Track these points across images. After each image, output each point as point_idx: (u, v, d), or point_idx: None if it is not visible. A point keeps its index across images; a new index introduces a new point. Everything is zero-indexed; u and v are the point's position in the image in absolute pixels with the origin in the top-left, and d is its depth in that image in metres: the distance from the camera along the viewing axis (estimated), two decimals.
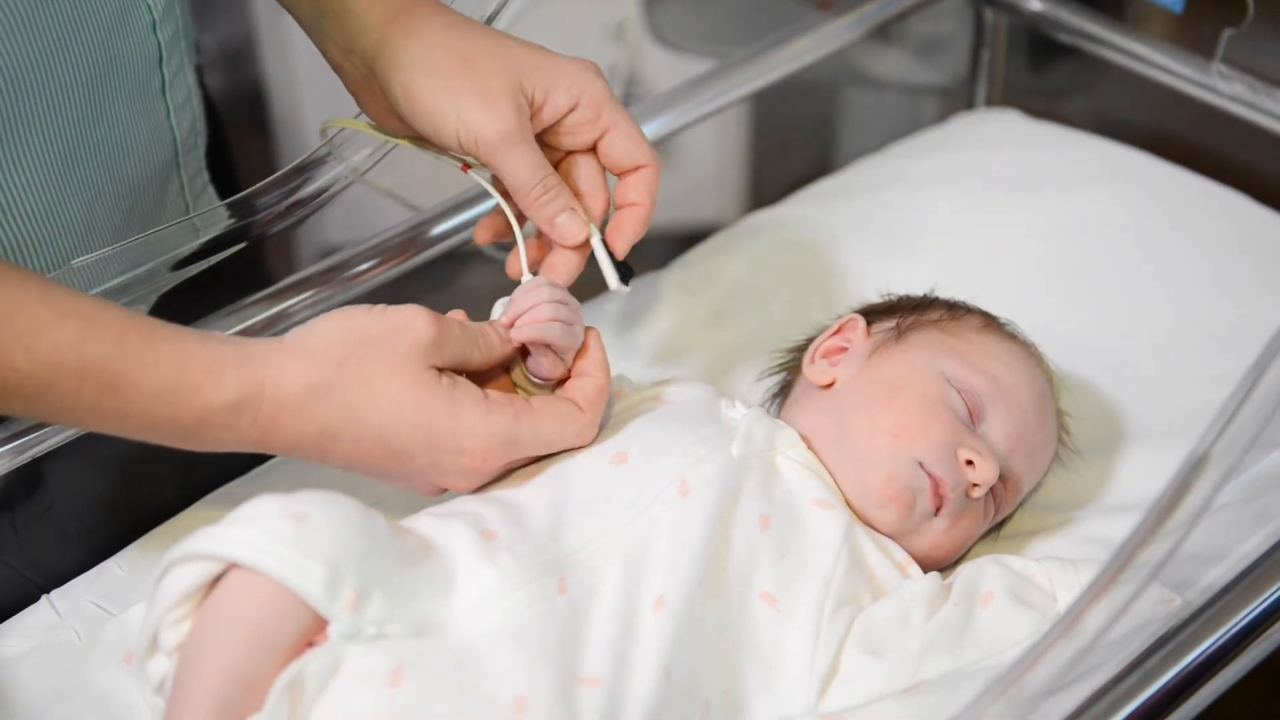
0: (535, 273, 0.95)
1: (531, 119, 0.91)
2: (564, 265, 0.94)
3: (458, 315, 0.88)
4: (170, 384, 0.77)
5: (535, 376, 0.90)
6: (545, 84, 0.91)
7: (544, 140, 0.93)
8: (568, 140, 0.94)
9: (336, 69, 0.97)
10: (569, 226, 0.92)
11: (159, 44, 1.00)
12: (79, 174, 0.96)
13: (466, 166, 0.97)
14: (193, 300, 1.06)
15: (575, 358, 0.90)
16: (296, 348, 0.81)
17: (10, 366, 0.75)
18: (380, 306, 0.84)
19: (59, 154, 0.94)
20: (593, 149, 0.95)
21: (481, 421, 0.84)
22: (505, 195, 0.95)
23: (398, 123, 0.96)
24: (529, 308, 0.88)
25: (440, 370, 0.84)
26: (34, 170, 0.92)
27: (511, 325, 0.88)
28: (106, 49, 0.95)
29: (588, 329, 0.90)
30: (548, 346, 0.88)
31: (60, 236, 0.96)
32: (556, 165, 0.95)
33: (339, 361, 0.81)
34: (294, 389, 0.80)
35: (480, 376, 0.89)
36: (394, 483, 0.86)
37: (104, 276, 1.00)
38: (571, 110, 0.92)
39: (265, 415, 0.80)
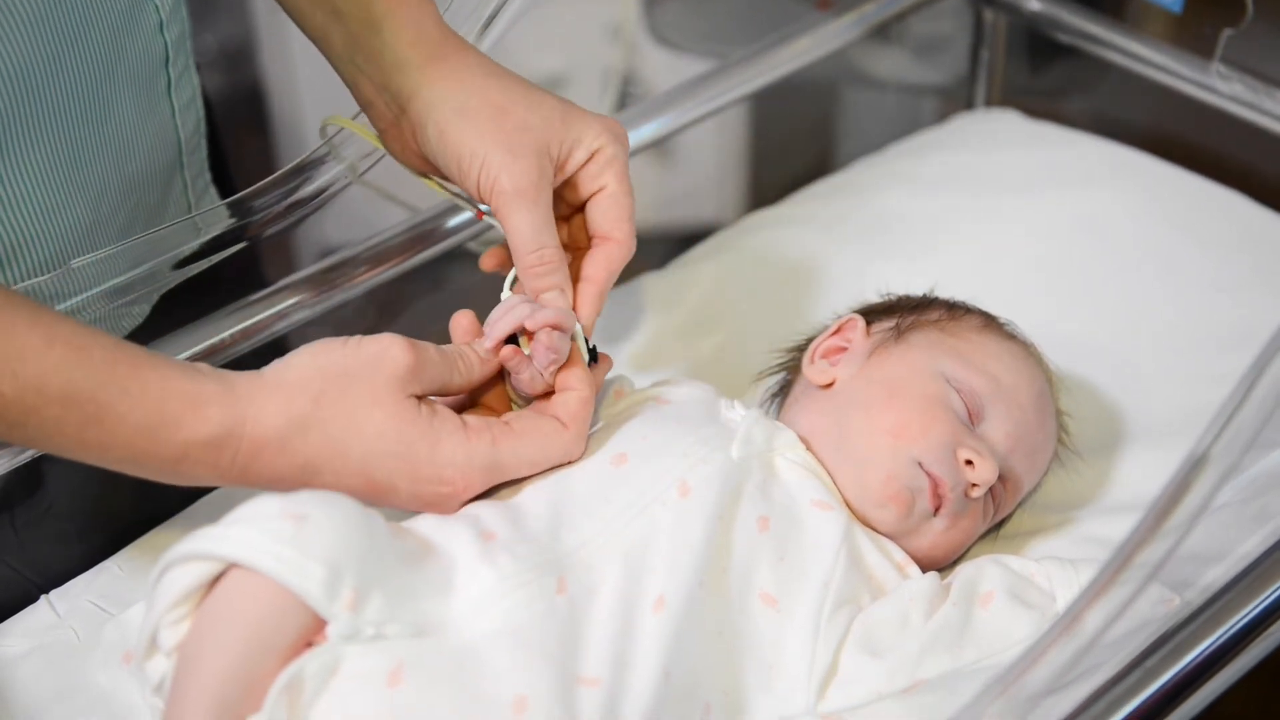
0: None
1: (554, 175, 0.91)
2: None
3: (463, 317, 0.87)
4: (153, 418, 0.78)
5: (517, 393, 0.90)
6: (570, 141, 0.91)
7: (558, 192, 0.93)
8: (571, 194, 0.94)
9: (366, 105, 0.97)
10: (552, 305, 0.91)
11: (165, 44, 1.01)
12: (85, 172, 0.96)
13: (481, 214, 0.97)
14: (193, 300, 1.07)
15: (556, 372, 0.89)
16: (276, 383, 0.81)
17: None
18: (356, 338, 0.84)
19: (66, 152, 0.94)
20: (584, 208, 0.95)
21: (460, 449, 0.84)
22: None
23: (420, 162, 0.96)
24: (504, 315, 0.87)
25: (420, 398, 0.84)
26: (41, 168, 0.92)
27: (495, 347, 0.88)
28: (114, 48, 0.95)
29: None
30: (527, 359, 0.87)
31: (66, 234, 0.96)
32: (566, 219, 0.94)
33: (316, 395, 0.81)
34: (274, 425, 0.80)
35: (474, 391, 0.89)
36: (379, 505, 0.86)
37: (106, 276, 1.00)
38: (585, 164, 0.92)
39: (244, 453, 0.80)
